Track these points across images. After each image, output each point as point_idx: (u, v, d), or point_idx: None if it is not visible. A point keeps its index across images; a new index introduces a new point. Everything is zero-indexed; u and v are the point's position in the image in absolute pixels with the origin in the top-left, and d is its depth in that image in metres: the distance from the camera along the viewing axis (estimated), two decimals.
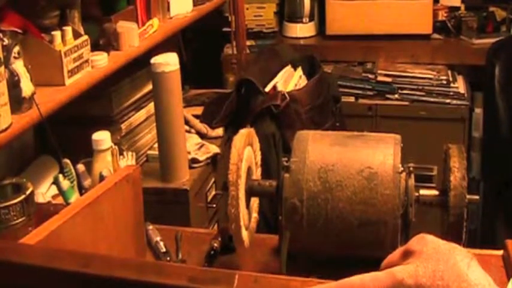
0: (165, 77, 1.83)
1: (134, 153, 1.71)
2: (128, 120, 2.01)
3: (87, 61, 1.75)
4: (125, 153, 1.67)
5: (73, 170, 1.43)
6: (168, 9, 2.32)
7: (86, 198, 1.09)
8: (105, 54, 1.83)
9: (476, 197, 1.15)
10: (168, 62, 1.84)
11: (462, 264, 0.58)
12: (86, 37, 1.75)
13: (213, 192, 2.06)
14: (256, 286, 0.75)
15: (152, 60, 1.84)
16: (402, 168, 1.13)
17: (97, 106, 1.93)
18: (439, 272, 0.57)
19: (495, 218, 2.82)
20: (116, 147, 1.49)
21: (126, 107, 2.02)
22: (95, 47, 1.84)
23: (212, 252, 1.26)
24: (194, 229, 1.55)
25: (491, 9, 3.20)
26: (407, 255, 0.62)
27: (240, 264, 1.25)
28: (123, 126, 1.97)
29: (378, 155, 1.14)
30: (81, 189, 1.40)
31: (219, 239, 1.28)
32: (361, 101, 2.95)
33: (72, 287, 0.81)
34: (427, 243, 0.62)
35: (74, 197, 1.37)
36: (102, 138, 1.45)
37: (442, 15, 3.23)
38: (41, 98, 1.51)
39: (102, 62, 1.81)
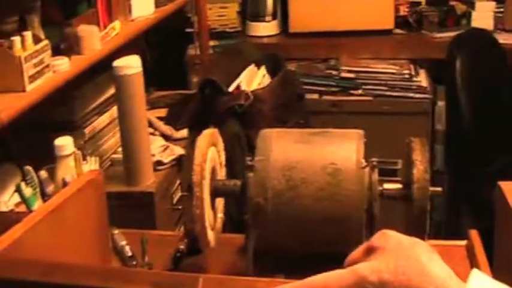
0: (127, 80, 1.82)
1: (98, 158, 1.70)
2: (92, 124, 2.00)
3: (48, 66, 1.73)
4: (88, 158, 1.66)
5: (35, 177, 1.42)
6: (130, 12, 2.31)
7: (48, 205, 1.08)
8: (66, 59, 1.82)
9: (439, 188, 1.17)
10: (130, 65, 1.82)
11: (424, 259, 0.58)
12: (46, 42, 1.74)
13: (179, 194, 2.05)
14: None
15: (114, 64, 1.83)
16: (366, 163, 1.14)
17: (59, 111, 1.91)
18: (401, 267, 0.58)
19: (460, 210, 2.85)
20: (79, 152, 1.48)
21: (90, 111, 2.00)
22: (56, 52, 1.83)
23: (178, 254, 1.25)
24: (160, 232, 1.54)
25: (452, 3, 3.25)
26: (370, 251, 0.62)
27: (206, 265, 1.25)
28: (86, 130, 1.95)
29: (342, 151, 1.15)
30: (44, 196, 1.39)
31: (185, 240, 1.28)
32: (325, 97, 2.96)
33: None
34: (388, 238, 0.62)
35: (37, 204, 1.36)
36: (64, 143, 1.44)
37: (403, 11, 3.26)
38: (1, 105, 1.49)
39: (64, 67, 1.80)
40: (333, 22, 3.13)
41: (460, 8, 3.24)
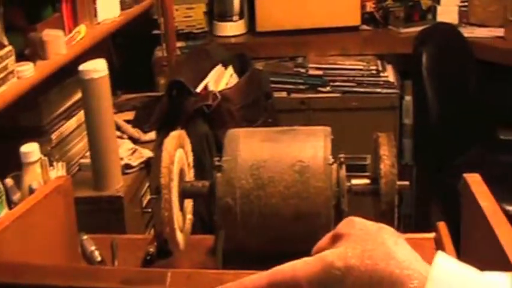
0: (94, 83, 1.81)
1: (65, 164, 1.69)
2: (59, 129, 1.98)
3: (12, 72, 1.71)
4: (54, 163, 1.64)
5: (1, 185, 1.40)
6: (95, 15, 2.29)
7: (15, 212, 1.07)
8: (31, 64, 1.80)
9: (407, 183, 1.17)
10: (97, 69, 1.81)
11: (389, 243, 0.59)
12: (10, 48, 1.72)
13: (148, 197, 2.04)
14: (189, 282, 0.75)
15: (80, 67, 1.82)
16: (333, 160, 1.14)
17: (25, 117, 1.90)
18: (367, 252, 0.58)
19: (428, 202, 2.88)
20: (46, 158, 1.46)
21: (56, 117, 1.99)
22: (21, 57, 1.81)
23: (148, 257, 1.25)
24: (130, 236, 1.54)
25: None
26: (336, 239, 0.63)
27: (176, 267, 1.24)
28: (53, 136, 1.94)
29: (309, 148, 1.15)
30: (11, 204, 1.37)
31: (155, 243, 1.27)
32: (293, 95, 2.97)
33: None
34: (354, 225, 0.63)
35: (3, 212, 1.34)
36: (30, 150, 1.43)
37: (370, 7, 3.29)
38: None
39: (28, 72, 1.78)
40: (299, 20, 3.14)
41: (425, 2, 3.28)
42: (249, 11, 3.28)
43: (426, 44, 2.74)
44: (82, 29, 2.14)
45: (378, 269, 0.57)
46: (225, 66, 2.45)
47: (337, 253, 0.60)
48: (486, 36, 3.02)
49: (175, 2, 3.06)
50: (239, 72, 2.45)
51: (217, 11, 3.28)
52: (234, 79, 2.39)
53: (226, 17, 3.26)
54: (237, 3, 3.23)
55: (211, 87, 2.22)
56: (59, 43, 1.96)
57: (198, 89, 2.21)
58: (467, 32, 3.03)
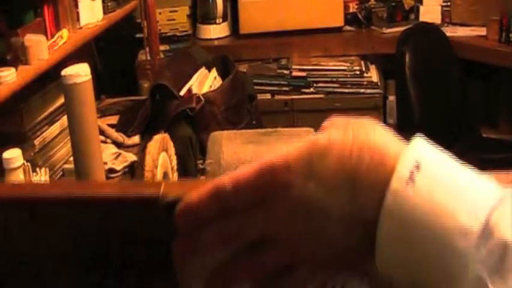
0: (76, 88, 1.79)
1: (48, 169, 1.68)
2: (42, 135, 1.97)
3: None
4: (38, 169, 1.63)
5: None
6: (78, 19, 2.29)
7: None
8: (12, 70, 1.79)
9: None
10: (79, 73, 1.80)
11: (370, 124, 0.60)
12: None
13: None
14: (181, 187, 0.76)
15: (63, 72, 1.80)
16: None
17: (7, 123, 1.88)
18: (349, 130, 0.59)
19: None
20: (29, 164, 1.46)
21: (39, 122, 1.97)
22: (2, 63, 1.80)
23: None
24: None
25: None
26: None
27: None
28: (36, 142, 1.92)
29: None
30: None
31: None
32: (277, 97, 2.98)
33: None
34: (335, 118, 0.64)
35: None
36: (12, 156, 1.42)
37: (352, 7, 3.30)
38: None
39: (10, 78, 1.77)
40: (283, 22, 3.15)
41: (408, 2, 3.30)
42: (232, 14, 3.29)
43: (409, 43, 2.75)
44: (64, 33, 2.13)
45: (359, 139, 0.58)
46: (209, 68, 2.45)
47: (321, 134, 0.61)
48: (468, 35, 3.05)
49: (159, 5, 3.06)
50: (223, 74, 2.45)
51: (200, 14, 3.28)
52: (218, 82, 2.39)
53: (209, 19, 3.26)
54: (220, 6, 3.23)
55: (194, 90, 2.22)
56: (41, 48, 1.95)
57: (182, 92, 2.21)
58: (450, 31, 3.05)
